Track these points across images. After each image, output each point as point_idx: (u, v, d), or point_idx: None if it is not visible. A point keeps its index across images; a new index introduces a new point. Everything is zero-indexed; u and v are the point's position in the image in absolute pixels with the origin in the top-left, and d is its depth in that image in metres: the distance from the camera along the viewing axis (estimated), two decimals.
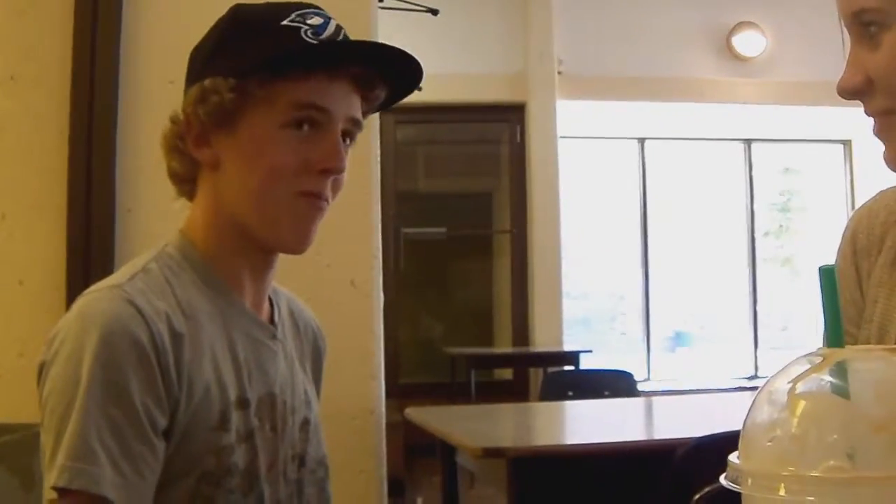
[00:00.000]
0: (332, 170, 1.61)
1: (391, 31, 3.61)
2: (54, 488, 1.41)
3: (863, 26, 1.25)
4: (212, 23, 1.67)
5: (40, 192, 2.86)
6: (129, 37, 2.94)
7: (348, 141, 1.65)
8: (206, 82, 1.60)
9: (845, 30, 1.31)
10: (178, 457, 1.51)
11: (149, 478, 1.47)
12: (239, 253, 1.65)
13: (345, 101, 1.62)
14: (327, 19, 1.63)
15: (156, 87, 2.86)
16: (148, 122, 2.86)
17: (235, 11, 1.66)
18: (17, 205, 2.87)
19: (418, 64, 1.68)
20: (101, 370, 1.44)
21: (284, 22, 1.60)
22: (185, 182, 1.68)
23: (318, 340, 1.89)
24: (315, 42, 1.59)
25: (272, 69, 1.57)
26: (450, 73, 7.94)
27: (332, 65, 1.61)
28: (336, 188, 1.64)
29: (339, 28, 1.64)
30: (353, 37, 1.69)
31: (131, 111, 2.91)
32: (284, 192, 1.59)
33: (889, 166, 1.31)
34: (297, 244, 1.65)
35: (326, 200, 1.63)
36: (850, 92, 1.29)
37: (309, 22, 1.60)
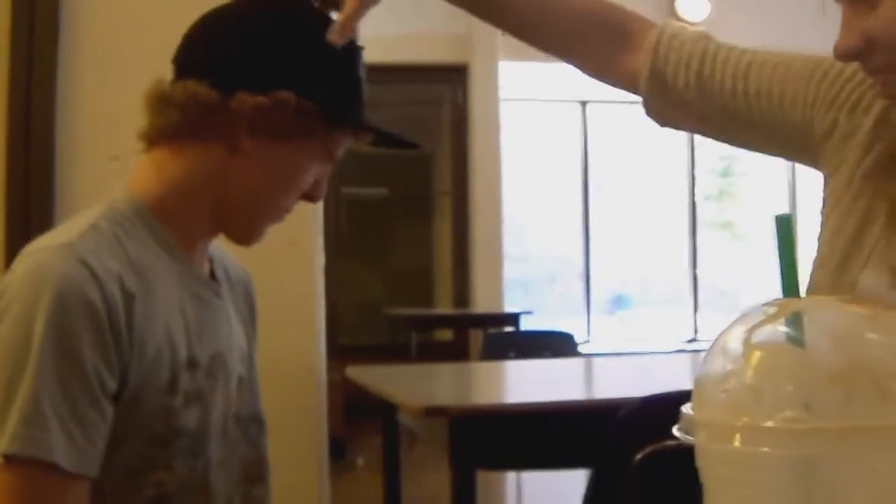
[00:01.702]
0: (316, 200, 1.71)
1: None
2: (4, 455, 1.38)
3: None
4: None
5: None
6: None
7: None
8: (283, 95, 1.55)
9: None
10: (126, 419, 1.48)
11: (99, 443, 1.44)
12: (199, 220, 1.62)
13: None
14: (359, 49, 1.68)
15: (97, 44, 2.81)
16: (88, 81, 2.81)
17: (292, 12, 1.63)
18: None
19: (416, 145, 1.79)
20: (54, 333, 1.40)
21: (359, 73, 1.66)
22: (161, 138, 1.61)
23: (250, 294, 1.87)
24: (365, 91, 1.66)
25: (342, 119, 1.64)
26: (392, 33, 7.89)
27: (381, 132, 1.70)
28: None
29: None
30: None
31: (71, 70, 2.86)
32: (278, 206, 1.66)
33: None
34: (249, 242, 1.69)
35: None
36: (849, 54, 1.29)
37: (361, 74, 1.67)
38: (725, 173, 10.44)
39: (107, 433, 1.46)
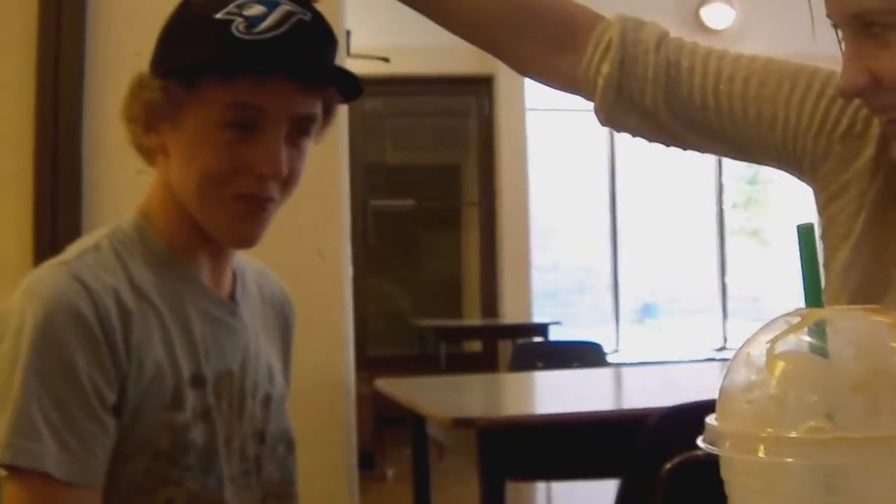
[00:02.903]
0: (268, 175, 1.53)
1: (360, 2, 3.59)
2: (1, 465, 1.40)
3: (863, 25, 1.22)
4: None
5: (5, 169, 2.83)
6: (96, 9, 2.90)
7: (304, 138, 1.58)
8: (141, 77, 1.55)
9: (825, 19, 1.28)
10: (130, 435, 1.49)
11: (100, 454, 1.45)
12: (194, 233, 1.60)
13: (284, 100, 1.52)
14: (271, 8, 1.50)
15: (123, 59, 2.83)
16: (114, 97, 2.83)
17: (182, 4, 1.57)
18: None
19: (350, 75, 1.57)
20: (41, 345, 1.41)
21: (217, 15, 1.49)
22: (151, 154, 1.62)
23: (286, 313, 1.86)
24: (246, 37, 1.47)
25: (193, 72, 1.50)
26: (418, 45, 7.89)
27: (256, 67, 1.50)
28: (287, 186, 1.57)
29: (286, 15, 1.51)
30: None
31: (97, 85, 2.88)
32: (219, 194, 1.53)
33: None
34: (238, 244, 1.62)
35: (270, 200, 1.55)
36: (855, 92, 1.27)
37: (246, 13, 1.49)
38: (753, 181, 10.40)
39: (109, 444, 1.47)
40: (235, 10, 1.49)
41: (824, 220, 1.45)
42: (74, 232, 2.78)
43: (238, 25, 1.48)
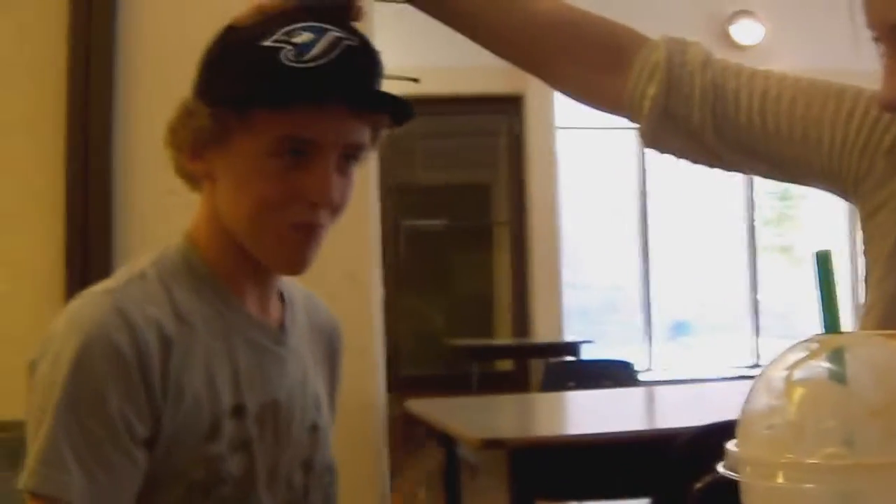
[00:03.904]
0: (322, 204, 1.53)
1: (388, 23, 3.61)
2: (25, 491, 1.41)
3: None
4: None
5: (38, 188, 2.86)
6: (125, 29, 2.93)
7: (352, 164, 1.57)
8: (190, 104, 1.55)
9: (870, 32, 1.28)
10: (164, 465, 1.49)
11: (127, 487, 1.45)
12: (241, 260, 1.59)
13: (337, 129, 1.52)
14: (319, 34, 1.49)
15: (154, 77, 2.86)
16: (145, 116, 2.85)
17: (226, 30, 1.56)
18: (15, 202, 2.87)
19: (402, 100, 1.57)
20: (77, 377, 1.42)
21: (266, 42, 1.48)
22: (194, 179, 1.62)
23: (334, 341, 1.86)
24: (297, 66, 1.47)
25: (245, 102, 1.50)
26: (447, 65, 7.92)
27: (309, 97, 1.49)
28: (337, 212, 1.57)
29: (335, 42, 1.49)
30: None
31: (128, 106, 2.91)
32: (274, 222, 1.53)
33: None
34: (291, 271, 1.61)
35: (322, 227, 1.56)
36: None
37: (294, 40, 1.48)
38: (784, 197, 10.35)
39: (139, 477, 1.47)
40: (284, 38, 1.47)
41: (865, 237, 1.45)
42: (105, 251, 2.80)
43: (287, 54, 1.47)
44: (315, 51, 1.47)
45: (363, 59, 1.55)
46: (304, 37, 1.48)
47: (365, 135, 1.57)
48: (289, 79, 1.47)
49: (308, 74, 1.47)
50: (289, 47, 1.47)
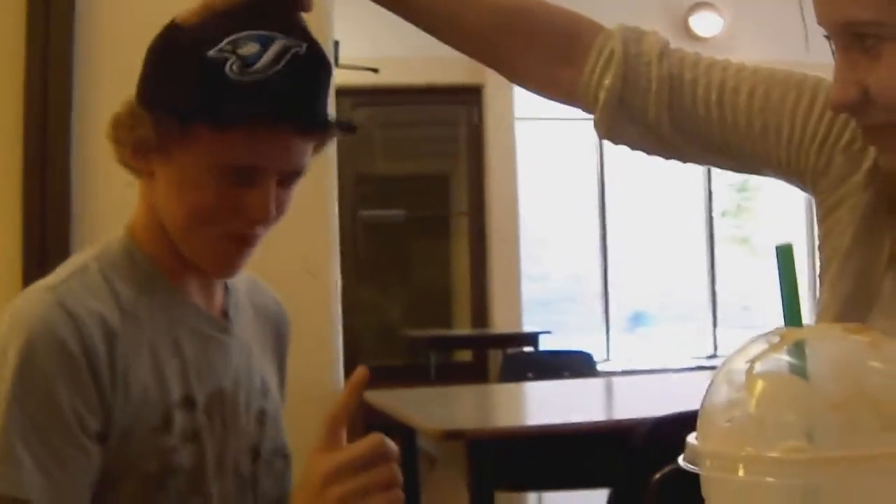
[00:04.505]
0: (260, 221, 1.52)
1: (348, 12, 3.59)
2: None
3: (854, 37, 1.20)
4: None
5: None
6: (84, 24, 2.90)
7: (294, 179, 1.56)
8: (132, 108, 1.53)
9: (821, 28, 1.27)
10: (117, 459, 1.49)
11: (82, 480, 1.45)
12: (174, 252, 1.59)
13: (279, 154, 1.51)
14: (265, 45, 1.45)
15: (112, 68, 2.83)
16: (104, 108, 2.83)
17: (171, 29, 1.53)
18: None
19: (345, 122, 1.59)
20: (24, 374, 1.42)
21: (211, 52, 1.45)
22: (136, 171, 1.61)
23: (280, 326, 1.86)
24: (241, 80, 1.43)
25: (186, 116, 1.47)
26: (406, 55, 7.90)
27: (249, 118, 1.46)
28: (274, 221, 1.56)
29: (281, 52, 1.46)
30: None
31: (86, 99, 2.88)
32: (208, 232, 1.53)
33: (888, 168, 1.30)
34: (221, 276, 1.63)
35: (258, 237, 1.56)
36: (846, 107, 1.25)
37: (240, 51, 1.44)
38: (742, 188, 10.41)
39: (93, 471, 1.46)
40: (229, 49, 1.44)
41: (822, 231, 1.44)
42: (63, 243, 2.78)
43: (232, 65, 1.44)
44: (260, 63, 1.44)
45: (310, 69, 1.52)
46: (250, 48, 1.45)
47: (307, 155, 1.56)
48: (232, 97, 1.44)
49: (252, 93, 1.45)
50: (233, 58, 1.44)
